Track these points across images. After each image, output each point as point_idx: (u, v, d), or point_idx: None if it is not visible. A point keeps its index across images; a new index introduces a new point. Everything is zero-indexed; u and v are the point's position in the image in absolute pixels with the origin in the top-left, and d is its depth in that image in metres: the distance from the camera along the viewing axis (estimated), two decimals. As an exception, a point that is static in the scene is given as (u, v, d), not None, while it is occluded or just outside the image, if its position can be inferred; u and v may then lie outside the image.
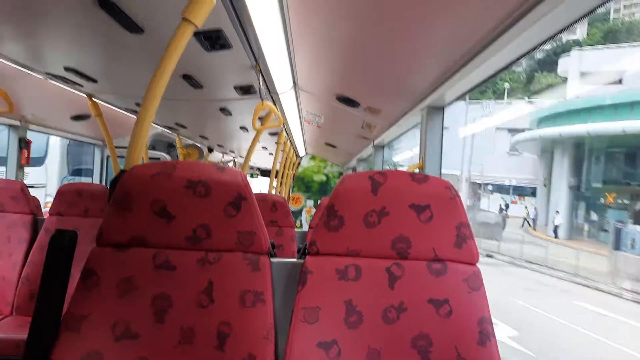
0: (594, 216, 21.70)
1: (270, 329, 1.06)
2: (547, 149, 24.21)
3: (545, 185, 25.29)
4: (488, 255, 16.27)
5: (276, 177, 4.52)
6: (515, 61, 1.52)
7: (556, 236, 21.31)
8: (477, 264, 1.12)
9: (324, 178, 7.80)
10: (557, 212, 21.87)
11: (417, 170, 2.18)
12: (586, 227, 21.85)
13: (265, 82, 2.56)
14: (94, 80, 2.62)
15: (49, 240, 1.04)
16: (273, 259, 1.17)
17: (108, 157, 4.92)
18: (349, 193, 1.11)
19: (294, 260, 1.22)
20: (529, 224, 26.03)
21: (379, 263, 1.10)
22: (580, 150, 21.70)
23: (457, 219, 1.10)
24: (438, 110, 2.11)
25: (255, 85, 2.39)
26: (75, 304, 1.03)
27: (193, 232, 1.09)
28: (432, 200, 1.09)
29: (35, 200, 2.63)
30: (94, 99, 3.13)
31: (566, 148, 22.00)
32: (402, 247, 1.09)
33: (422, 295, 1.07)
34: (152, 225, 1.08)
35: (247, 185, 1.12)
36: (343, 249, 1.11)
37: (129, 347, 1.01)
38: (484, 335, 1.04)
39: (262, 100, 2.36)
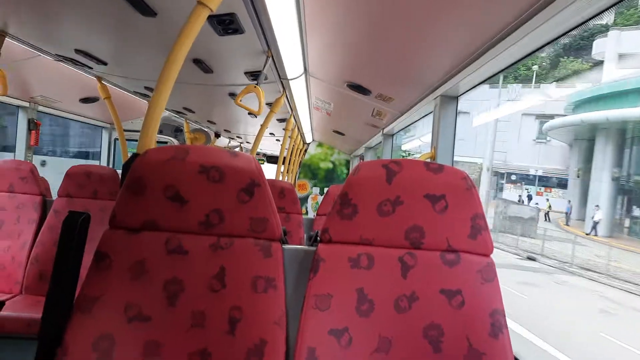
0: (636, 211, 19.23)
1: (281, 314, 1.06)
2: (583, 136, 21.95)
3: (578, 176, 23.08)
4: (530, 258, 13.38)
5: (283, 163, 4.51)
6: (531, 54, 1.49)
7: (595, 233, 18.81)
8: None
9: (331, 165, 7.78)
10: (597, 206, 19.02)
11: (428, 160, 2.16)
12: (627, 222, 19.43)
13: (276, 68, 2.54)
14: (104, 63, 2.61)
15: (62, 222, 1.04)
16: (285, 246, 1.17)
17: (116, 139, 4.93)
18: (363, 181, 1.10)
19: (306, 247, 1.21)
20: (548, 219, 24.30)
21: (392, 252, 1.09)
22: (624, 137, 19.16)
23: (473, 210, 1.08)
24: (452, 99, 2.09)
25: (266, 71, 2.36)
26: (88, 286, 1.03)
27: (206, 217, 1.09)
28: (448, 191, 1.08)
29: (44, 182, 2.64)
30: (103, 82, 3.12)
31: (610, 135, 19.35)
32: (415, 236, 1.09)
33: (434, 286, 1.07)
34: (165, 209, 1.08)
35: (260, 171, 1.11)
36: (356, 238, 1.10)
37: (141, 329, 1.02)
38: (497, 327, 1.04)
39: (257, 84, 2.32)
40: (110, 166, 4.84)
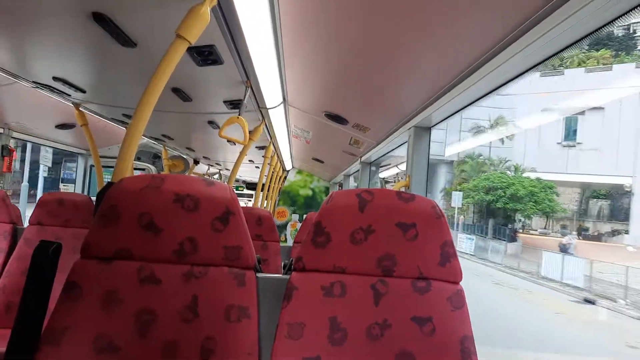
0: None
1: (254, 344, 1.06)
2: None
3: None
4: None
5: (262, 190, 4.51)
6: (501, 86, 1.56)
7: None
8: None
9: (310, 192, 7.79)
10: None
11: (403, 189, 2.21)
12: None
13: (255, 98, 2.58)
14: (83, 91, 2.61)
15: (32, 251, 1.03)
16: (259, 274, 1.17)
17: (92, 166, 4.86)
18: (337, 210, 1.12)
19: (280, 276, 1.22)
20: None
21: (364, 280, 1.11)
22: None
23: (442, 237, 1.12)
24: (425, 130, 2.15)
25: (245, 101, 2.40)
26: (56, 317, 1.01)
27: (180, 246, 1.09)
28: (418, 219, 1.11)
29: (15, 210, 2.57)
30: (81, 109, 3.11)
31: None
32: (387, 264, 1.11)
33: (406, 313, 1.08)
34: (139, 238, 1.08)
35: (235, 200, 1.12)
36: (329, 266, 1.11)
37: None
38: (466, 353, 1.05)
39: (239, 115, 2.36)
40: (85, 193, 4.76)
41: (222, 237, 1.11)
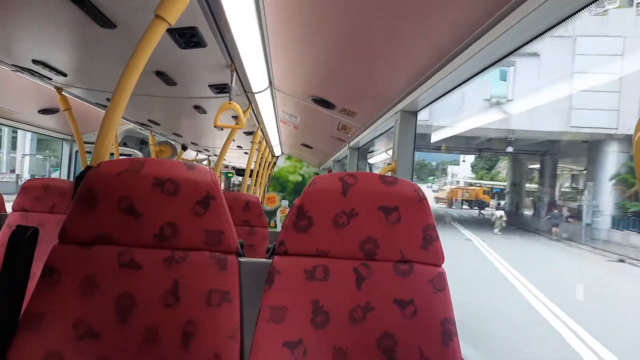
0: None
1: (236, 328, 1.06)
2: None
3: None
4: None
5: (251, 176, 4.49)
6: (486, 68, 1.56)
7: None
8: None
9: (300, 178, 7.79)
10: None
11: (389, 173, 2.21)
12: None
13: (242, 82, 2.55)
14: (64, 74, 2.55)
15: (8, 237, 1.01)
16: (242, 259, 1.17)
17: (77, 152, 4.79)
18: (319, 194, 1.12)
19: (263, 260, 1.22)
20: None
21: (347, 264, 1.11)
22: None
23: (424, 221, 1.12)
24: (411, 114, 2.15)
25: (229, 84, 2.37)
26: (34, 302, 1.00)
27: (160, 230, 1.08)
28: (401, 202, 1.11)
29: None
30: (63, 93, 3.05)
31: None
32: (369, 247, 1.11)
33: (388, 296, 1.09)
34: (118, 222, 1.07)
35: (216, 184, 1.11)
36: (312, 250, 1.11)
37: (91, 346, 1.00)
38: (447, 335, 1.07)
39: (230, 100, 2.34)
40: (71, 179, 4.70)
41: (203, 221, 1.10)
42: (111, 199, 1.06)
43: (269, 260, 1.16)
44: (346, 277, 1.10)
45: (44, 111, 3.55)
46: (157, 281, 1.06)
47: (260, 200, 3.56)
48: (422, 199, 1.12)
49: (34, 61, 2.31)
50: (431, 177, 61.09)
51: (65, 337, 0.99)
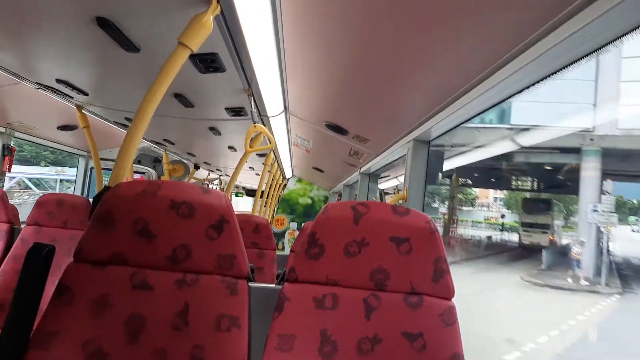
0: None
1: (243, 355, 1.05)
2: None
3: None
4: None
5: (261, 197, 4.51)
6: (502, 101, 1.57)
7: None
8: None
9: (309, 201, 7.80)
10: None
11: (400, 201, 2.21)
12: None
13: (257, 105, 2.60)
14: (85, 93, 2.62)
15: (26, 253, 1.03)
16: (252, 284, 1.17)
17: (92, 168, 4.87)
18: (331, 222, 1.12)
19: (273, 286, 1.21)
20: None
21: (357, 293, 1.10)
22: None
23: (436, 253, 1.11)
24: (423, 144, 2.16)
25: (247, 108, 2.42)
26: (46, 320, 1.01)
27: (173, 252, 1.09)
28: (412, 234, 1.11)
29: (13, 210, 2.58)
30: (83, 111, 3.13)
31: None
32: (380, 278, 1.10)
33: (397, 328, 1.07)
34: (133, 243, 1.08)
35: (230, 208, 1.13)
36: (322, 278, 1.11)
37: None
38: None
39: (255, 123, 2.39)
40: (85, 195, 4.76)
41: (216, 245, 1.11)
42: (127, 220, 1.08)
43: (279, 287, 1.15)
44: (355, 307, 1.09)
45: (63, 127, 3.63)
46: (167, 303, 1.06)
47: (269, 222, 3.57)
48: (434, 231, 1.12)
49: (58, 80, 2.38)
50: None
51: (75, 356, 0.99)
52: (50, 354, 0.98)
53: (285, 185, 7.84)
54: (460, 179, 25.05)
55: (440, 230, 1.12)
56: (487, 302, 11.46)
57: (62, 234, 2.36)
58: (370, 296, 1.10)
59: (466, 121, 1.81)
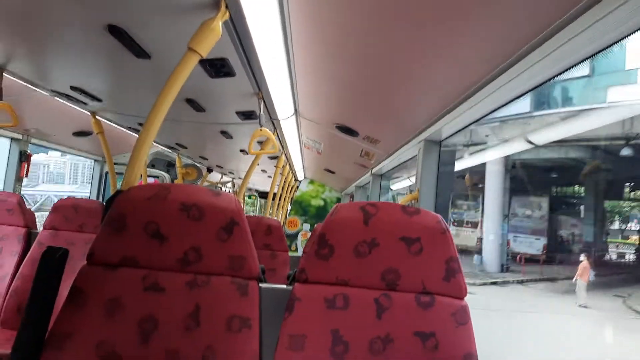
0: None
1: (255, 355, 1.06)
2: None
3: None
4: None
5: (273, 199, 4.53)
6: (512, 100, 1.55)
7: None
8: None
9: (322, 203, 7.78)
10: None
11: (412, 202, 2.20)
12: None
13: (267, 109, 2.61)
14: (99, 100, 2.67)
15: (40, 256, 1.05)
16: (262, 285, 1.17)
17: (107, 173, 4.95)
18: (341, 223, 1.12)
19: (284, 286, 1.22)
20: None
21: (368, 293, 1.10)
22: None
23: (447, 253, 1.11)
24: (435, 144, 2.15)
25: (257, 112, 2.44)
26: (60, 322, 1.03)
27: (184, 255, 1.10)
28: (423, 234, 1.11)
29: (30, 214, 2.63)
30: (97, 117, 3.18)
31: None
32: (391, 278, 1.10)
33: (409, 328, 1.07)
34: (145, 246, 1.10)
35: (240, 210, 1.14)
36: (332, 278, 1.11)
37: None
38: None
39: (261, 127, 2.41)
40: (100, 200, 4.83)
41: (227, 247, 1.12)
42: (139, 223, 1.10)
43: (289, 287, 1.16)
44: (366, 307, 1.09)
45: (78, 134, 3.70)
46: (179, 304, 1.08)
47: (282, 224, 3.58)
48: (445, 231, 1.11)
49: (72, 87, 2.43)
50: None
51: (88, 358, 1.01)
52: (65, 356, 1.00)
53: (297, 187, 7.85)
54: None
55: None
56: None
57: (78, 237, 2.41)
58: (381, 296, 1.10)
59: (477, 121, 1.79)
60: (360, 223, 1.12)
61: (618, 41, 1.05)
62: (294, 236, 7.80)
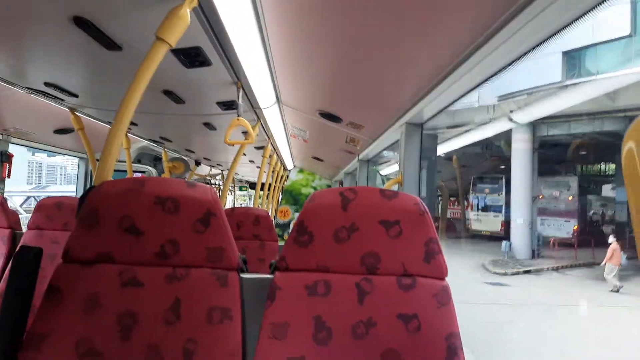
0: None
1: (237, 346, 1.06)
2: None
3: None
4: None
5: (262, 189, 4.51)
6: (489, 77, 1.55)
7: None
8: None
9: (312, 191, 7.80)
10: None
11: (396, 185, 2.20)
12: None
13: (248, 98, 2.58)
14: (75, 95, 2.61)
15: (12, 257, 1.03)
16: (243, 275, 1.17)
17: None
18: (319, 209, 1.12)
19: (265, 276, 1.21)
20: None
21: (349, 278, 1.10)
22: None
23: (427, 234, 1.11)
24: (417, 126, 2.14)
25: (236, 101, 2.41)
26: (38, 322, 1.02)
27: (161, 248, 1.09)
28: (401, 216, 1.10)
29: (14, 215, 2.59)
30: (77, 113, 3.12)
31: None
32: (371, 262, 1.10)
33: (391, 310, 1.07)
34: (120, 241, 1.08)
35: (216, 201, 1.12)
36: (312, 265, 1.11)
37: None
38: (452, 350, 1.05)
39: (238, 116, 2.37)
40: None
41: (204, 239, 1.11)
42: (113, 218, 1.08)
43: (271, 277, 1.15)
44: (348, 292, 1.09)
45: (59, 131, 3.63)
46: (158, 299, 1.06)
47: (272, 214, 3.54)
48: (424, 212, 1.11)
49: (46, 84, 2.37)
50: None
51: (68, 357, 1.00)
52: (43, 355, 0.99)
53: (287, 176, 7.84)
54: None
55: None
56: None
57: (64, 236, 2.37)
58: (362, 280, 1.09)
59: (457, 100, 1.79)
60: (339, 208, 1.11)
61: (589, 11, 1.04)
62: (286, 225, 7.81)
